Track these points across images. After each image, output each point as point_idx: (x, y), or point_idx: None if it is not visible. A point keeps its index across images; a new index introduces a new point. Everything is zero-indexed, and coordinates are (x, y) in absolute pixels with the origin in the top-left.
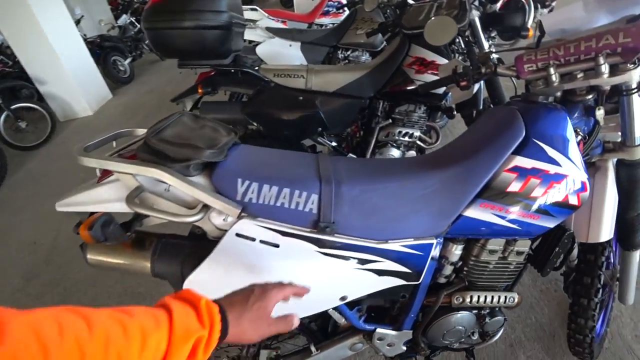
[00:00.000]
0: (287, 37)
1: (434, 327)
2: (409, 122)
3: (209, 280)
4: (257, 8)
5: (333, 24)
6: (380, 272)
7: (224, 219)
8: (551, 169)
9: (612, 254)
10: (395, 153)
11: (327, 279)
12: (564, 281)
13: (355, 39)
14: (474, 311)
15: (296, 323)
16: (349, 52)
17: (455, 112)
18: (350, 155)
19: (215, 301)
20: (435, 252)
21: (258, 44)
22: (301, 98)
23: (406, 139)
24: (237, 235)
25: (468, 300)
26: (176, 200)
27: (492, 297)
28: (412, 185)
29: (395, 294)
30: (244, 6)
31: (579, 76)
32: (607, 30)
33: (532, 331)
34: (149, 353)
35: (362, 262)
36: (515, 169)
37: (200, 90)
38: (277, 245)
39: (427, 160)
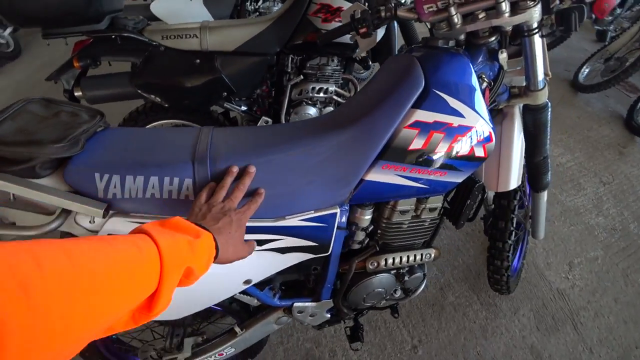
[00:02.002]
0: None
1: (352, 293)
2: (322, 76)
3: None
4: None
5: None
6: (282, 250)
7: (90, 221)
8: (455, 121)
9: (525, 195)
10: (311, 111)
11: (222, 267)
12: (484, 225)
13: None
14: (393, 272)
15: (255, 246)
16: (259, 3)
17: (371, 63)
18: (264, 118)
19: (203, 227)
20: (341, 221)
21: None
22: (198, 61)
23: (321, 95)
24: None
25: (383, 263)
26: (31, 208)
27: (408, 256)
28: (303, 154)
29: (306, 268)
30: None
31: (480, 16)
32: None
33: (459, 273)
34: (138, 285)
35: (260, 243)
36: (417, 124)
37: (76, 64)
38: None
39: (320, 123)
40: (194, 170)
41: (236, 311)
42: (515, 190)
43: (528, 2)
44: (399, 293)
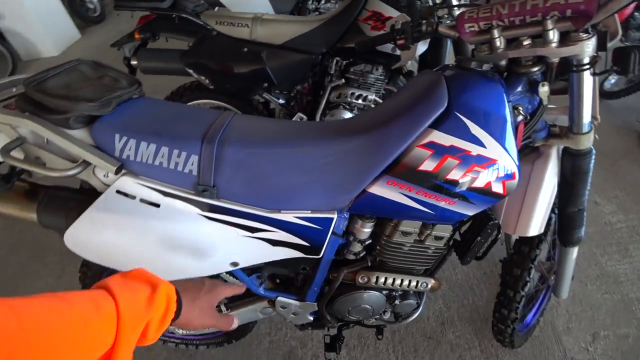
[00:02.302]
0: None
1: (338, 303)
2: (364, 83)
3: (86, 235)
4: None
5: None
6: (273, 242)
7: (104, 175)
8: (474, 149)
9: (554, 247)
10: (347, 116)
11: (213, 244)
12: (501, 268)
13: None
14: (384, 292)
15: (235, 325)
16: (321, 3)
17: None
18: (299, 114)
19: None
20: (337, 227)
21: None
22: (245, 50)
23: (359, 101)
24: (118, 192)
25: (374, 280)
26: (59, 154)
27: (402, 280)
28: (310, 153)
29: (295, 265)
30: None
31: (525, 43)
32: None
33: (466, 312)
34: (92, 343)
35: (252, 230)
36: (431, 145)
37: (137, 36)
38: (157, 205)
39: (334, 126)
40: (201, 148)
41: None
42: (539, 239)
43: (581, 34)
44: (388, 315)
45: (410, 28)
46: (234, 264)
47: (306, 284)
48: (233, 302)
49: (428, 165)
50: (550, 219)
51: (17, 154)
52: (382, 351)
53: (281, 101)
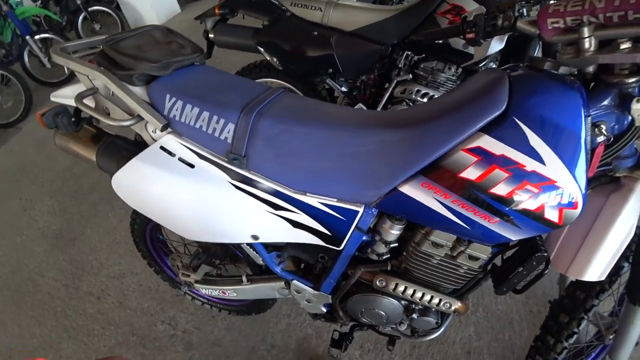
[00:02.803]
0: None
1: (352, 301)
2: (432, 82)
3: (129, 181)
4: None
5: None
6: (294, 224)
7: (153, 130)
8: (529, 164)
9: (620, 302)
10: None
11: (236, 213)
12: (549, 310)
13: None
14: (403, 302)
15: None
16: None
17: None
18: (360, 105)
19: None
20: (362, 222)
21: None
22: (316, 33)
23: (425, 100)
24: (161, 148)
25: (392, 286)
26: (121, 106)
27: (423, 294)
28: (343, 139)
29: (314, 252)
30: None
31: (622, 47)
32: None
33: (498, 348)
34: None
35: (275, 207)
36: (479, 151)
37: (217, 11)
38: (192, 166)
39: (379, 116)
40: (239, 117)
41: (252, 264)
42: (602, 287)
43: None
44: (404, 327)
45: (483, 21)
46: (255, 237)
47: (323, 274)
48: (254, 276)
49: (471, 173)
50: (621, 267)
51: (88, 101)
52: None
53: (344, 89)
